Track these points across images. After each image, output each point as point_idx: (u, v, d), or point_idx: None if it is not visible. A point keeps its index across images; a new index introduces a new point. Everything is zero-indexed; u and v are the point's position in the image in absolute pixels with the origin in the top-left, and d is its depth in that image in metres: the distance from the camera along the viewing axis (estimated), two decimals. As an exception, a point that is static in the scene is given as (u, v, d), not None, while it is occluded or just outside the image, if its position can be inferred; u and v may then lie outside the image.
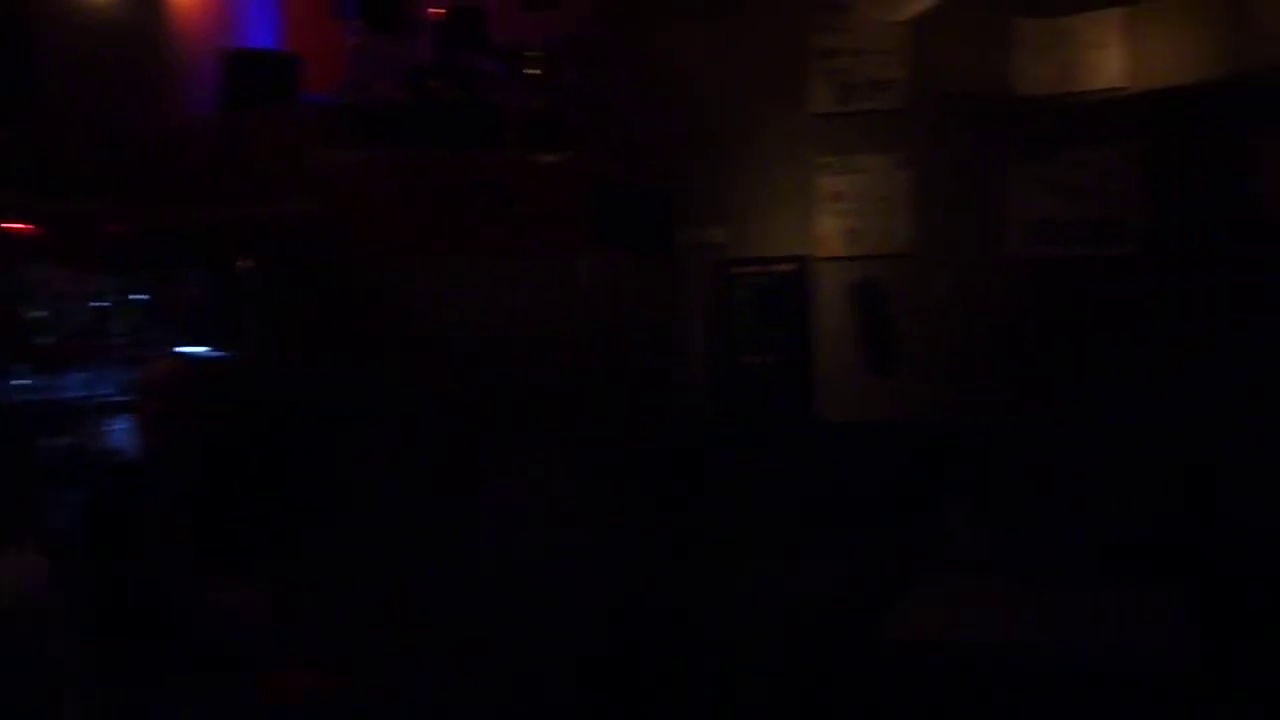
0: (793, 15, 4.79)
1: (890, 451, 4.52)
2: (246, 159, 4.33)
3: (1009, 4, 4.52)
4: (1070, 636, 3.18)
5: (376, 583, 3.78)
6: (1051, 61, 4.52)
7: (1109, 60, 4.45)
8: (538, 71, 4.52)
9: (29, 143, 4.06)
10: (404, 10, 4.51)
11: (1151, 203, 4.37)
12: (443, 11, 4.53)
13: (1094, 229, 4.44)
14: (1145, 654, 3.04)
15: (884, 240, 4.73)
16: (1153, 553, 3.87)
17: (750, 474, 4.64)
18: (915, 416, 4.60)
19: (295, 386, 4.04)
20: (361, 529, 3.79)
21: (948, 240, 4.64)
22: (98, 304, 4.23)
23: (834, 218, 4.79)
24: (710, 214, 4.90)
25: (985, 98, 4.57)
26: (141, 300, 4.31)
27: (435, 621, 3.84)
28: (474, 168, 4.22)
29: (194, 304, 4.38)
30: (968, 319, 4.60)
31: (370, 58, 4.39)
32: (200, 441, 3.43)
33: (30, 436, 3.84)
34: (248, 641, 3.20)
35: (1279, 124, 4.23)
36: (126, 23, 4.59)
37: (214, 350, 4.27)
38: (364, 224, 4.08)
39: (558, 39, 4.64)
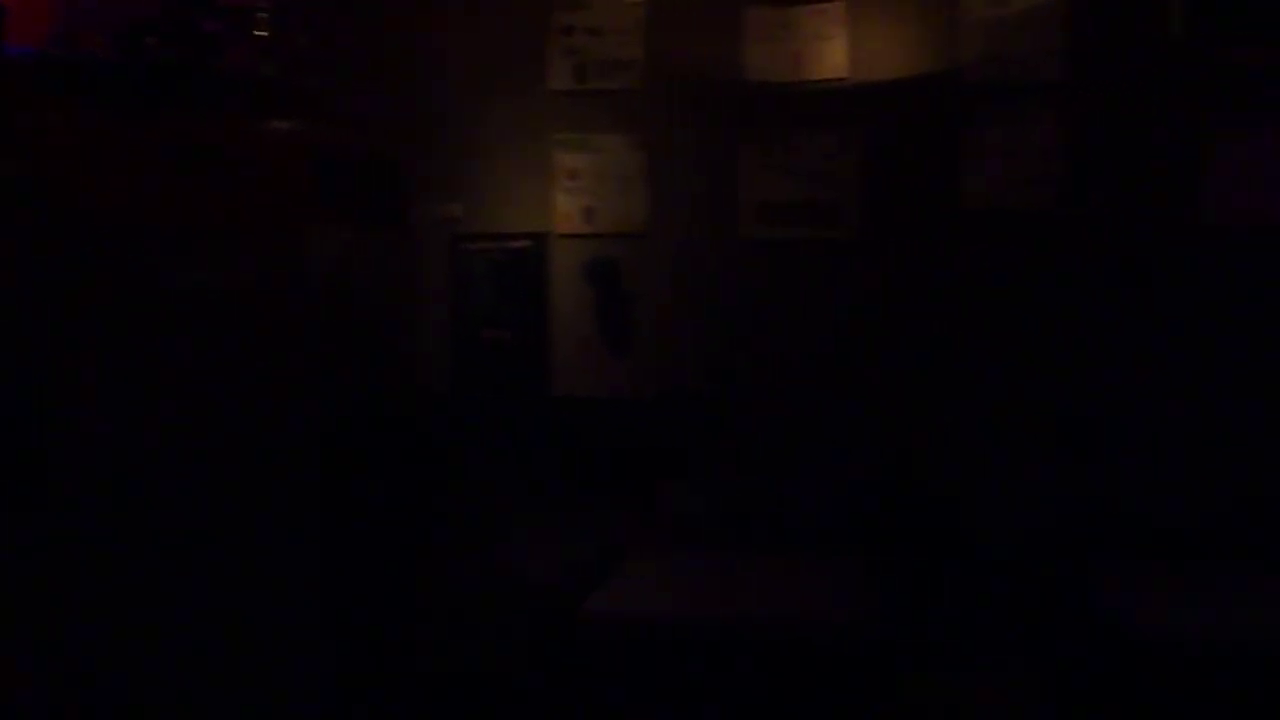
0: (533, -10, 4.78)
1: (623, 426, 4.59)
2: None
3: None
4: (760, 606, 3.30)
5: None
6: (779, 51, 4.65)
7: (832, 51, 4.60)
8: (266, 34, 4.36)
9: None
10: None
11: (867, 188, 4.55)
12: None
13: (815, 212, 4.60)
14: (834, 621, 3.18)
15: (620, 219, 4.78)
16: (859, 523, 4.06)
17: (484, 450, 4.64)
18: (650, 392, 4.67)
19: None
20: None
21: (681, 220, 4.73)
22: None
23: (571, 195, 4.81)
24: (447, 188, 4.84)
25: (717, 82, 4.66)
26: None
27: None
28: (193, 134, 4.03)
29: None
30: (700, 297, 4.70)
31: (80, 9, 4.15)
32: None
33: None
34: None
35: (987, 116, 4.45)
36: None
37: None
38: (70, 190, 3.85)
39: (289, 1, 4.49)
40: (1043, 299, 4.46)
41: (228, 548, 3.80)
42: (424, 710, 3.90)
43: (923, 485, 4.24)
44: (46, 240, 3.76)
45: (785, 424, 4.58)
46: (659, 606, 3.26)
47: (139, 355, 3.85)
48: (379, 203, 4.61)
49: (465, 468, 4.62)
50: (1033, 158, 4.48)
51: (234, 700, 3.69)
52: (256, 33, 4.38)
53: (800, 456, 4.49)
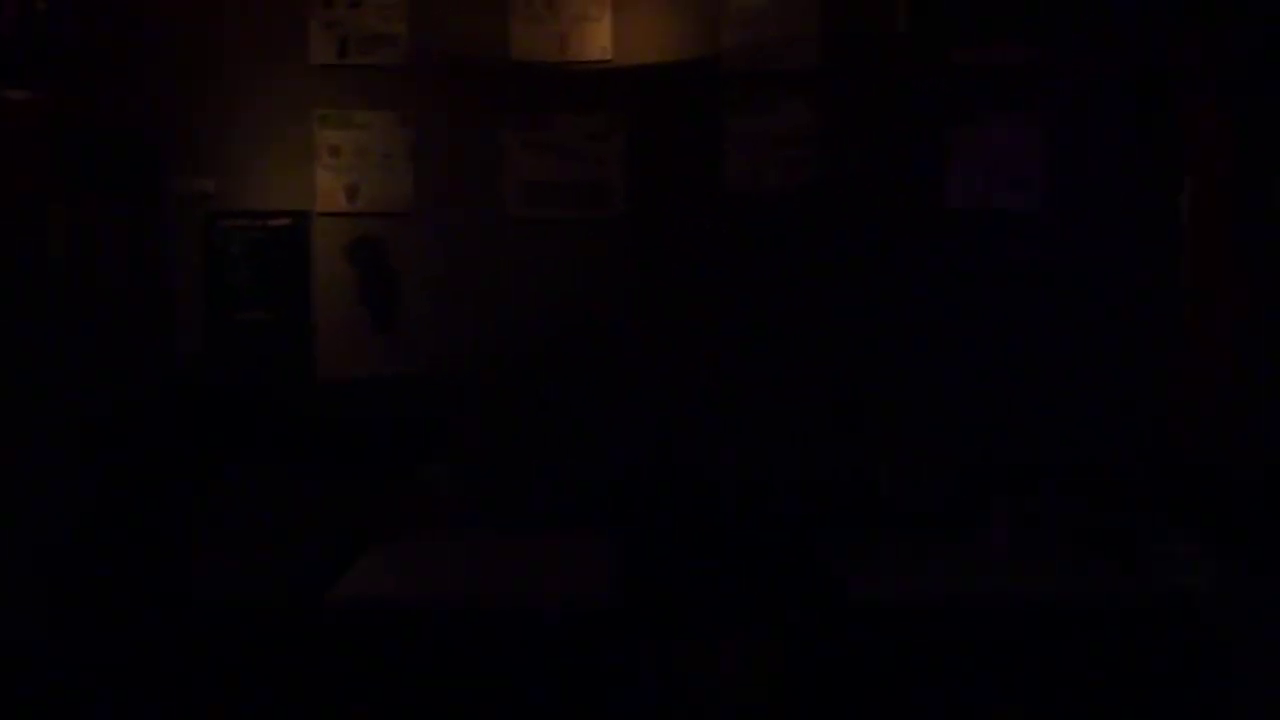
0: (292, -39, 4.65)
1: (385, 408, 4.54)
2: None
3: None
4: (500, 585, 3.32)
5: None
6: (544, 31, 4.66)
7: (597, 33, 4.63)
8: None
9: None
10: None
11: (632, 169, 4.60)
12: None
13: (582, 191, 4.63)
14: (572, 595, 3.23)
15: (384, 197, 4.71)
16: (616, 505, 4.12)
17: (242, 433, 4.52)
18: (414, 371, 4.63)
19: None
20: None
21: (448, 199, 4.69)
22: None
23: (333, 173, 4.71)
24: (201, 164, 4.68)
25: (482, 61, 4.64)
26: None
27: None
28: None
29: None
30: (464, 277, 4.68)
31: None
32: None
33: None
34: None
35: (745, 103, 4.56)
36: None
37: None
38: None
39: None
40: (801, 279, 4.60)
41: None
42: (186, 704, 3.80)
43: (678, 465, 4.33)
44: None
45: (546, 405, 4.61)
46: (398, 590, 3.24)
47: None
48: (125, 177, 4.44)
49: (220, 452, 4.49)
50: (788, 142, 4.62)
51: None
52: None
53: (560, 438, 4.53)
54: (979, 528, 4.07)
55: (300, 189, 4.73)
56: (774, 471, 4.46)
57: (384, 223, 4.72)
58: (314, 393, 4.61)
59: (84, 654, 3.88)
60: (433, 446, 4.43)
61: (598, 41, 4.67)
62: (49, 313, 4.03)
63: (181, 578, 4.19)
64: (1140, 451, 4.42)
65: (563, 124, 4.69)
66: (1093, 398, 4.52)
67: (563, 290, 4.66)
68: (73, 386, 4.02)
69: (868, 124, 4.60)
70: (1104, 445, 4.46)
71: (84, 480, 4.07)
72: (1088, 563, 3.77)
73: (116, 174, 4.37)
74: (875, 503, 4.34)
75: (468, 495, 4.23)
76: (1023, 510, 4.05)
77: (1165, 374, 4.48)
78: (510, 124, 4.69)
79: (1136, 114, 4.51)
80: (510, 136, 4.69)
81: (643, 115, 4.66)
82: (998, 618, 3.36)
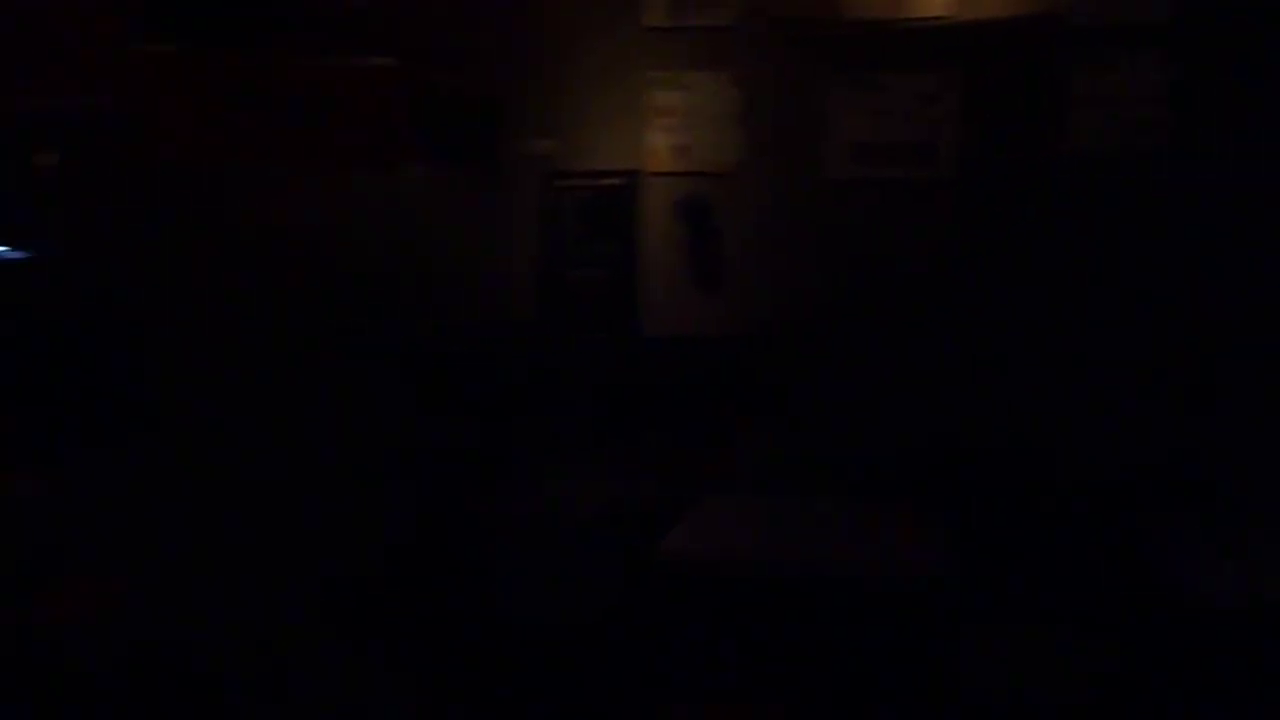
0: (628, -76, 4.73)
1: (709, 365, 4.60)
2: (50, 48, 4.16)
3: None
4: (835, 551, 3.30)
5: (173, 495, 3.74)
6: (880, -14, 4.55)
7: (935, -12, 4.48)
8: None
9: None
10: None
11: (965, 130, 4.44)
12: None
13: (910, 152, 4.52)
14: (902, 567, 3.17)
15: (712, 157, 4.74)
16: (932, 473, 4.02)
17: (569, 386, 4.68)
18: (736, 332, 4.67)
19: (98, 289, 3.95)
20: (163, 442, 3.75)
21: (773, 159, 4.67)
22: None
23: (663, 133, 4.78)
24: (539, 125, 4.85)
25: (814, 19, 4.58)
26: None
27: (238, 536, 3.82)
28: (289, 70, 4.10)
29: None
30: (789, 236, 4.66)
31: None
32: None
33: None
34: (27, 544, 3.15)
35: (1093, 57, 4.31)
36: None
37: (15, 248, 4.14)
38: (168, 123, 3.96)
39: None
40: (1149, 249, 4.33)
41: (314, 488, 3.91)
42: (499, 654, 3.98)
43: (1000, 436, 4.18)
44: (129, 172, 3.88)
45: (868, 370, 4.54)
46: (733, 547, 3.28)
47: (220, 288, 3.96)
48: (472, 140, 4.64)
49: (550, 406, 4.67)
50: (1137, 101, 4.33)
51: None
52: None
53: (881, 404, 4.45)
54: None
55: (630, 149, 4.82)
56: (1106, 452, 4.24)
57: (711, 182, 4.76)
58: (640, 348, 4.72)
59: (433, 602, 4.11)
60: (754, 407, 4.46)
61: (935, -2, 4.51)
62: (397, 267, 4.26)
63: (506, 532, 4.37)
64: None
65: (894, 83, 4.58)
66: None
67: (886, 253, 4.57)
68: (415, 339, 4.25)
69: (1225, 80, 4.25)
70: None
71: (424, 426, 4.30)
72: None
73: (462, 137, 4.58)
74: (1213, 489, 4.05)
75: (788, 457, 4.24)
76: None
77: None
78: (839, 84, 4.61)
79: None
80: (838, 97, 4.62)
81: (980, 73, 4.48)
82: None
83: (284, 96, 4.12)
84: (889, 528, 3.52)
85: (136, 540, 3.70)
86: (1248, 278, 4.23)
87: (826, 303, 4.61)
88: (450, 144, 4.46)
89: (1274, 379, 4.17)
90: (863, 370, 4.55)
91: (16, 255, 4.11)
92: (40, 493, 3.27)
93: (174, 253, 4.07)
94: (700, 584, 3.23)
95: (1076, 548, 3.96)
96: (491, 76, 4.76)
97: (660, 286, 4.80)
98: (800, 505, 3.70)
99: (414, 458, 4.10)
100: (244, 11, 4.22)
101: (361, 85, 4.20)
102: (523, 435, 4.46)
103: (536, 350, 4.68)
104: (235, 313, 4.12)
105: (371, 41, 4.31)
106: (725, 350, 4.63)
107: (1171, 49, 4.30)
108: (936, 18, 4.50)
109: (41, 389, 3.40)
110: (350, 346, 4.07)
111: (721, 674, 3.29)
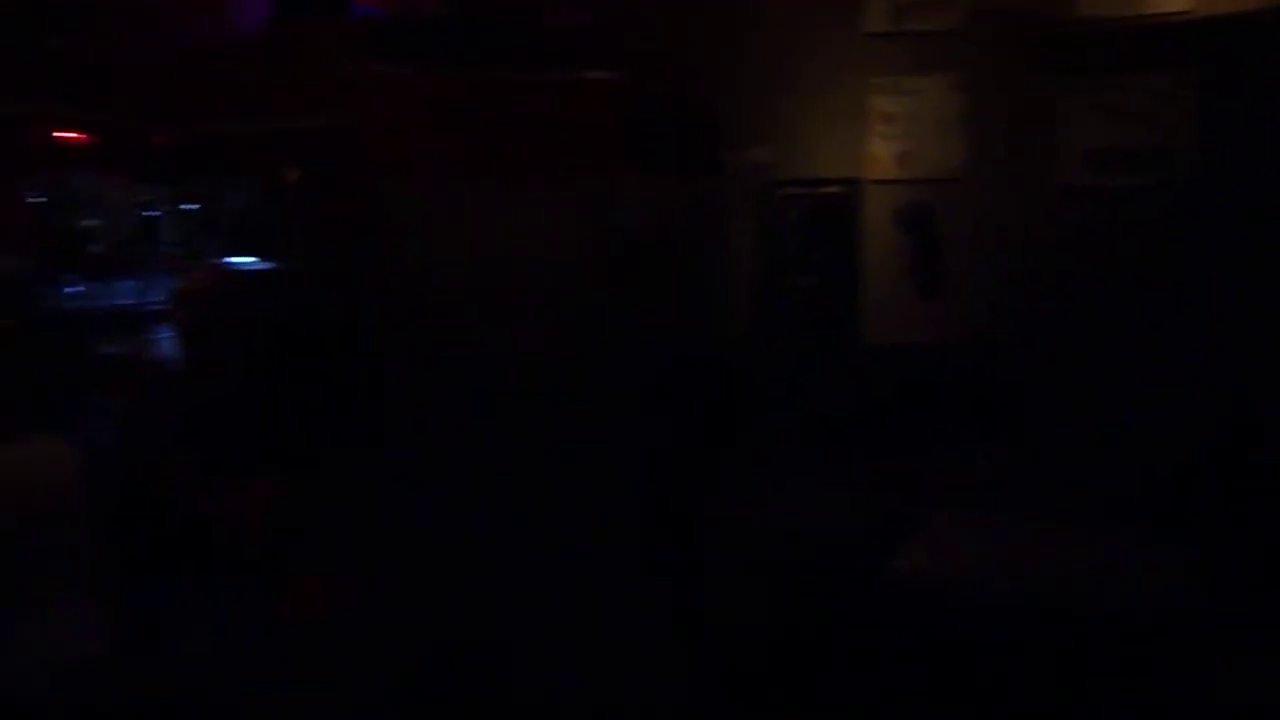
0: (849, -70, 4.67)
1: (927, 377, 4.49)
2: (293, 71, 4.37)
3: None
4: (1077, 578, 3.17)
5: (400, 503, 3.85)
6: (1114, -16, 4.36)
7: (1174, -17, 4.28)
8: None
9: (82, 52, 4.15)
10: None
11: (1205, 131, 4.22)
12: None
13: (1145, 157, 4.32)
14: (1145, 600, 3.02)
15: (936, 164, 4.64)
16: (1175, 497, 3.81)
17: (788, 396, 4.64)
18: (959, 342, 4.55)
19: (335, 301, 4.12)
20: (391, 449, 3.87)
21: (999, 165, 4.54)
22: (148, 213, 4.35)
23: (885, 140, 4.70)
24: (758, 134, 4.83)
25: (1042, 20, 4.43)
26: (191, 210, 4.42)
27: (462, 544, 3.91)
28: (508, 87, 4.20)
29: (241, 214, 4.46)
30: (1016, 245, 4.52)
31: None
32: (234, 349, 3.52)
33: (79, 342, 3.98)
34: (264, 545, 3.30)
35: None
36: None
37: (259, 260, 4.37)
38: (393, 142, 4.10)
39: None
40: None
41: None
42: (715, 665, 3.98)
43: (1260, 458, 3.93)
44: (364, 188, 4.03)
45: (1105, 383, 4.35)
46: (970, 570, 3.17)
47: (448, 299, 4.06)
48: (691, 150, 4.66)
49: (770, 415, 4.64)
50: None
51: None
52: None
53: (1114, 421, 4.25)
54: None
55: (851, 156, 4.76)
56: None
57: (934, 189, 4.66)
58: (860, 359, 4.65)
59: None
60: (978, 419, 4.33)
61: (1174, -8, 4.30)
62: (618, 279, 4.30)
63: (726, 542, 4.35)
64: None
65: (1128, 84, 4.38)
66: None
67: (1118, 260, 4.37)
68: (641, 354, 4.28)
69: None
70: None
71: (645, 437, 4.32)
72: None
73: (682, 147, 4.60)
74: None
75: (1017, 473, 4.09)
76: None
77: None
78: (1070, 86, 4.44)
79: None
80: (1069, 100, 4.45)
81: (1222, 72, 4.24)
82: None
83: (507, 113, 4.22)
84: (1127, 551, 3.36)
85: (375, 542, 3.83)
86: None
87: (1054, 312, 4.45)
88: (669, 155, 4.49)
89: None
90: (1095, 382, 4.36)
91: (263, 266, 4.34)
92: (284, 495, 3.42)
93: (406, 265, 4.21)
94: (931, 608, 3.15)
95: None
96: (710, 86, 4.76)
97: (881, 295, 4.72)
98: (1033, 526, 3.56)
99: (637, 468, 4.13)
100: (468, 32, 4.34)
101: (581, 99, 4.26)
102: (742, 446, 4.44)
103: (755, 360, 4.66)
104: (465, 323, 4.23)
105: (590, 56, 4.37)
106: (948, 360, 4.51)
107: None
108: (1175, 13, 4.28)
109: (285, 395, 3.56)
110: (571, 359, 4.13)
111: (935, 701, 3.20)
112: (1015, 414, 4.31)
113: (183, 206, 4.45)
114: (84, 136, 4.22)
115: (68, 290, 4.08)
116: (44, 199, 4.07)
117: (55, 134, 4.10)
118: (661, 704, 3.66)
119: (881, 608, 3.27)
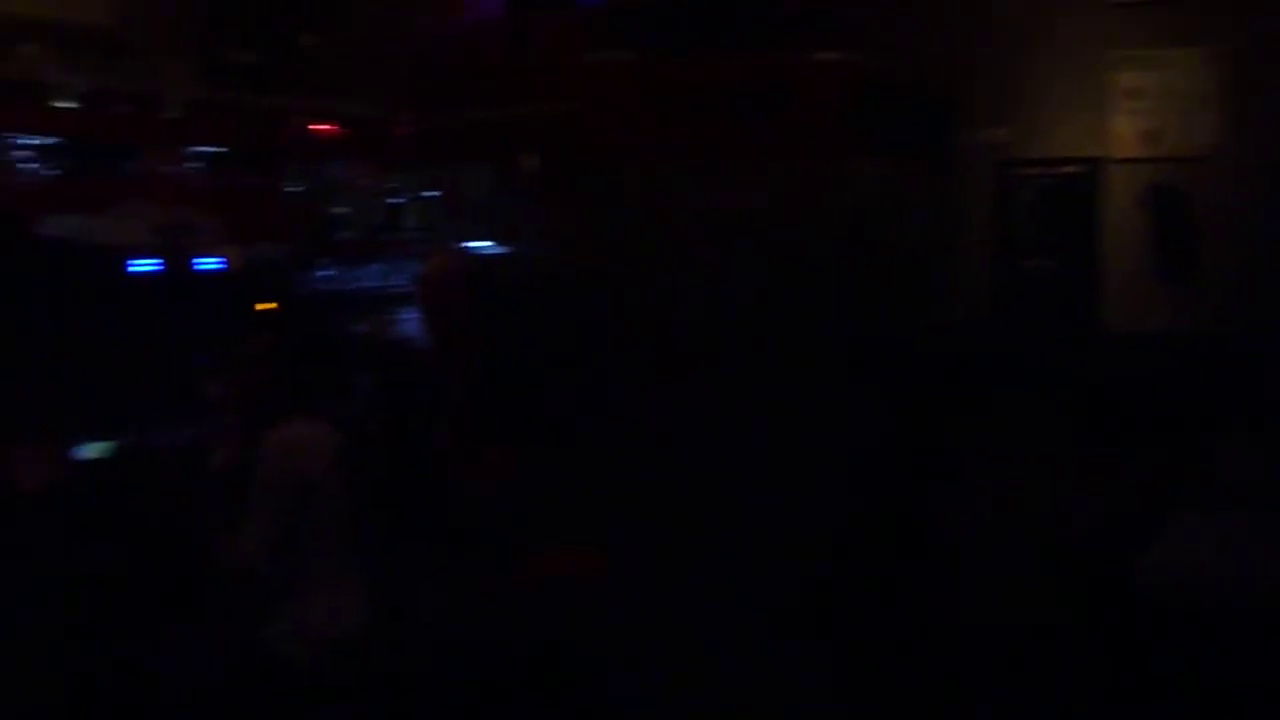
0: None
1: (1177, 368, 4.27)
2: (527, 60, 4.47)
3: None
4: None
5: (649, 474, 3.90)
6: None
7: None
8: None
9: (333, 48, 4.36)
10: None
11: None
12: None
13: None
14: None
15: (1185, 142, 4.41)
16: None
17: (1025, 386, 4.50)
18: (1206, 329, 4.32)
19: (568, 281, 4.19)
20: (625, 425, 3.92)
21: (1256, 144, 4.28)
22: (393, 200, 4.54)
23: (1130, 116, 4.50)
24: (994, 114, 4.69)
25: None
26: (431, 197, 4.58)
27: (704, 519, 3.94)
28: (738, 70, 4.18)
29: (481, 200, 4.59)
30: (1272, 229, 4.26)
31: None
32: (475, 329, 3.63)
33: (333, 323, 4.17)
34: (507, 516, 3.39)
35: None
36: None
37: (495, 244, 4.48)
38: (627, 126, 4.14)
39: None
40: None
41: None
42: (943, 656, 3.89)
43: None
44: (596, 173, 4.08)
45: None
46: (1225, 572, 3.00)
47: (677, 280, 4.08)
48: (923, 130, 4.55)
49: (1003, 403, 4.50)
50: None
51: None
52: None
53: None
54: None
55: (1092, 135, 4.57)
56: None
57: (1184, 168, 4.43)
58: (1100, 347, 4.47)
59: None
60: (1225, 414, 4.09)
61: None
62: (847, 261, 4.25)
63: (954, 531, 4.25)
64: None
65: None
66: None
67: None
68: (863, 337, 4.21)
69: None
70: None
71: (869, 424, 4.25)
72: None
73: (912, 128, 4.50)
74: None
75: (1268, 472, 3.85)
76: None
77: None
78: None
79: None
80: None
81: None
82: None
83: (735, 95, 4.21)
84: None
85: (597, 520, 3.89)
86: None
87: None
88: (900, 135, 4.40)
89: None
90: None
91: (502, 251, 4.46)
92: (520, 470, 3.51)
93: (634, 248, 4.27)
94: (1184, 608, 3.00)
95: None
96: (944, 66, 4.64)
97: (1122, 279, 4.52)
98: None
99: (865, 456, 4.07)
100: (700, 17, 4.35)
101: (810, 80, 4.22)
102: (976, 434, 4.33)
103: (989, 346, 4.53)
104: (691, 305, 4.26)
105: (823, 38, 4.32)
106: (1195, 348, 4.28)
107: None
108: None
109: (524, 372, 3.64)
110: (803, 341, 4.10)
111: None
112: (1266, 408, 4.06)
113: (424, 194, 4.61)
114: (335, 128, 4.43)
115: (319, 274, 4.28)
116: (300, 189, 4.30)
117: (310, 127, 4.33)
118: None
119: (1134, 606, 3.13)
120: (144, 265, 3.90)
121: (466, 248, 4.40)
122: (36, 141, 3.86)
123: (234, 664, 3.00)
